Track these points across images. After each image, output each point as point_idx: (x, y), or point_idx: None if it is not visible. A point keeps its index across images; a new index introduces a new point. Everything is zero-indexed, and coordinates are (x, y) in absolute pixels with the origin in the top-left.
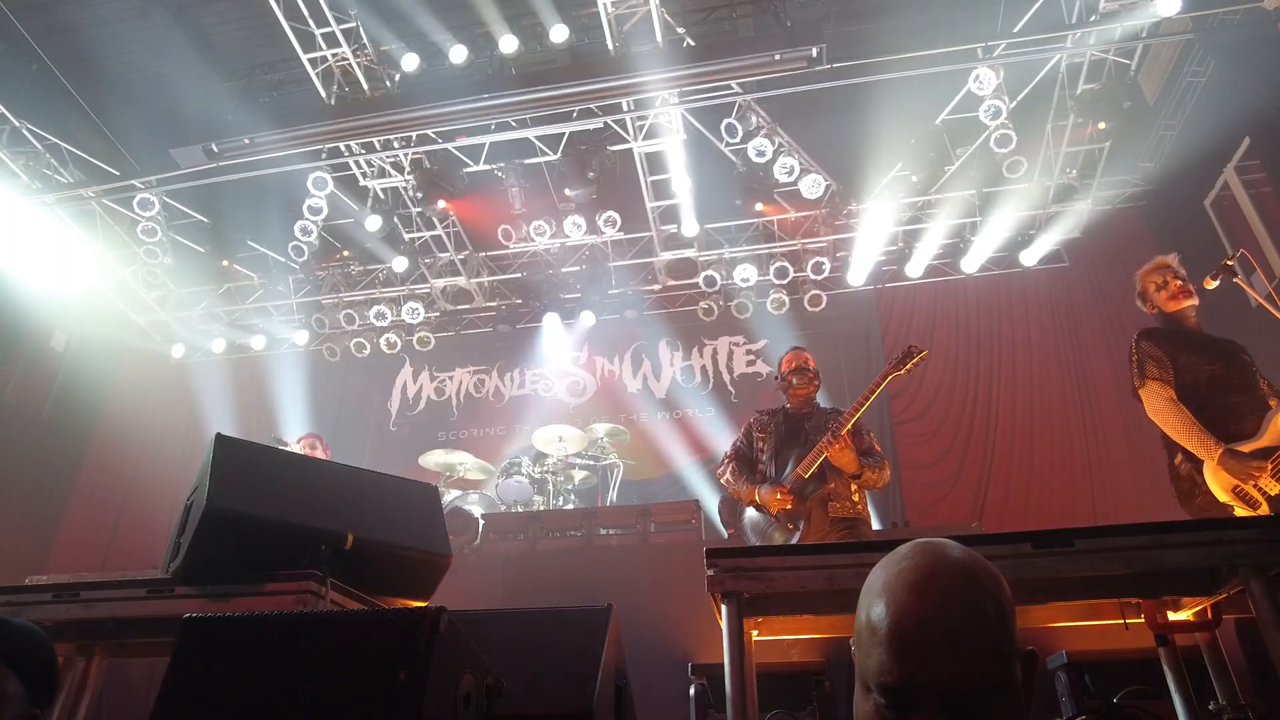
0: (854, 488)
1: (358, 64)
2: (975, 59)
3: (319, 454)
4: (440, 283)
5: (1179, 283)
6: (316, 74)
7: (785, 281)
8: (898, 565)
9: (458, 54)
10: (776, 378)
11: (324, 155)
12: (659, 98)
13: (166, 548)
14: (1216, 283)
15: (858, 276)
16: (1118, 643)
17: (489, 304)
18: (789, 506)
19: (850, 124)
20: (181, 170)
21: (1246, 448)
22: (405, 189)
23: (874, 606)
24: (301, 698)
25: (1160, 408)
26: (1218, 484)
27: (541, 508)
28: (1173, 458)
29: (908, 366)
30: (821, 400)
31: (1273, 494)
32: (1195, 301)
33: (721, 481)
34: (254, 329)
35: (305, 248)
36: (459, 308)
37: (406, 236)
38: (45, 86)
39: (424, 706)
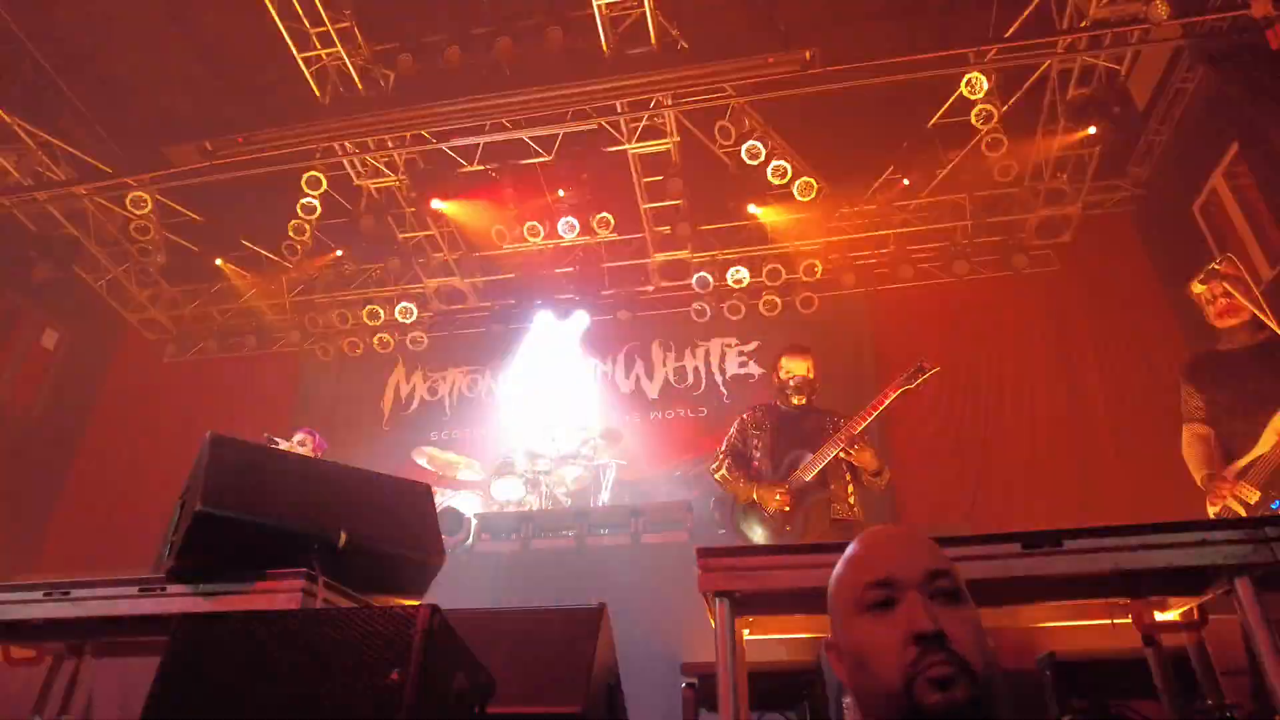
0: (850, 491)
1: (352, 64)
2: (967, 63)
3: (308, 448)
4: (434, 282)
5: (1226, 299)
6: (311, 73)
7: (778, 283)
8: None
9: (452, 54)
10: (774, 371)
11: (318, 154)
12: (653, 100)
13: (160, 546)
14: (1205, 286)
15: (850, 279)
16: (1105, 643)
17: (482, 304)
18: (787, 508)
19: (843, 127)
20: (175, 168)
21: (1243, 461)
22: (399, 189)
23: (846, 555)
24: (294, 696)
25: (1185, 445)
26: (1209, 510)
27: (534, 507)
28: None
29: (918, 383)
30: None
31: (1251, 502)
32: (1240, 321)
33: (716, 478)
34: (247, 328)
35: (298, 246)
36: (452, 308)
37: (400, 236)
38: (38, 83)
39: (416, 705)
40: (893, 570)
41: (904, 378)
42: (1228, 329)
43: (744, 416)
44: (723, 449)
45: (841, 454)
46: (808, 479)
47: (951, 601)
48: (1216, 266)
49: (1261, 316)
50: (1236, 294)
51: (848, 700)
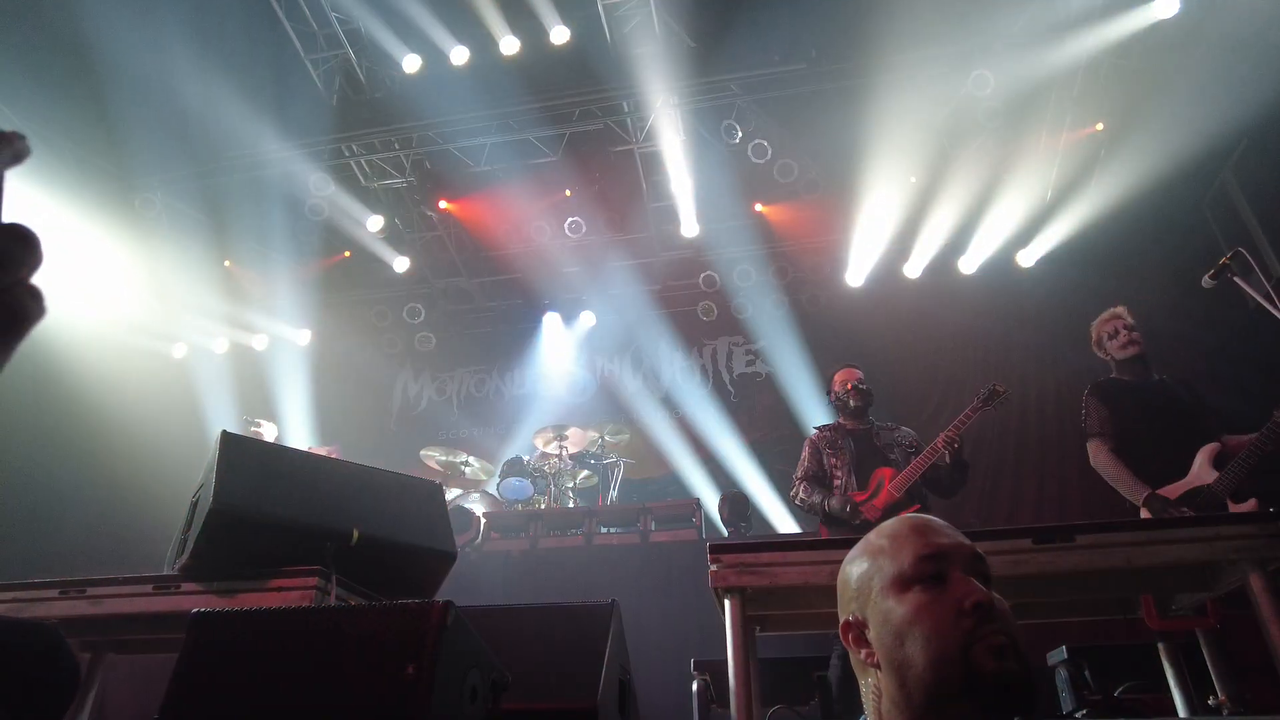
0: (928, 506)
1: (359, 65)
2: (974, 60)
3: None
4: (441, 283)
5: (1127, 332)
6: (318, 75)
7: (784, 282)
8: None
9: (459, 55)
10: (829, 393)
11: (326, 156)
12: (659, 99)
13: (171, 545)
14: (1215, 282)
15: (856, 276)
16: (1118, 637)
17: (489, 304)
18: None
19: (849, 125)
20: (183, 170)
21: (1177, 490)
22: (406, 189)
23: (880, 536)
24: (309, 692)
25: (1098, 460)
26: None
27: (542, 506)
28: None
29: (994, 404)
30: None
31: None
32: (1141, 350)
33: (796, 502)
34: (255, 328)
35: (307, 248)
36: (460, 308)
37: (408, 237)
38: (47, 85)
39: (431, 700)
40: (944, 547)
41: (979, 400)
42: (1127, 360)
43: (813, 438)
44: (798, 474)
45: (945, 456)
46: (899, 495)
47: (988, 585)
48: (1226, 262)
49: (1271, 310)
50: (1137, 330)
51: (869, 683)
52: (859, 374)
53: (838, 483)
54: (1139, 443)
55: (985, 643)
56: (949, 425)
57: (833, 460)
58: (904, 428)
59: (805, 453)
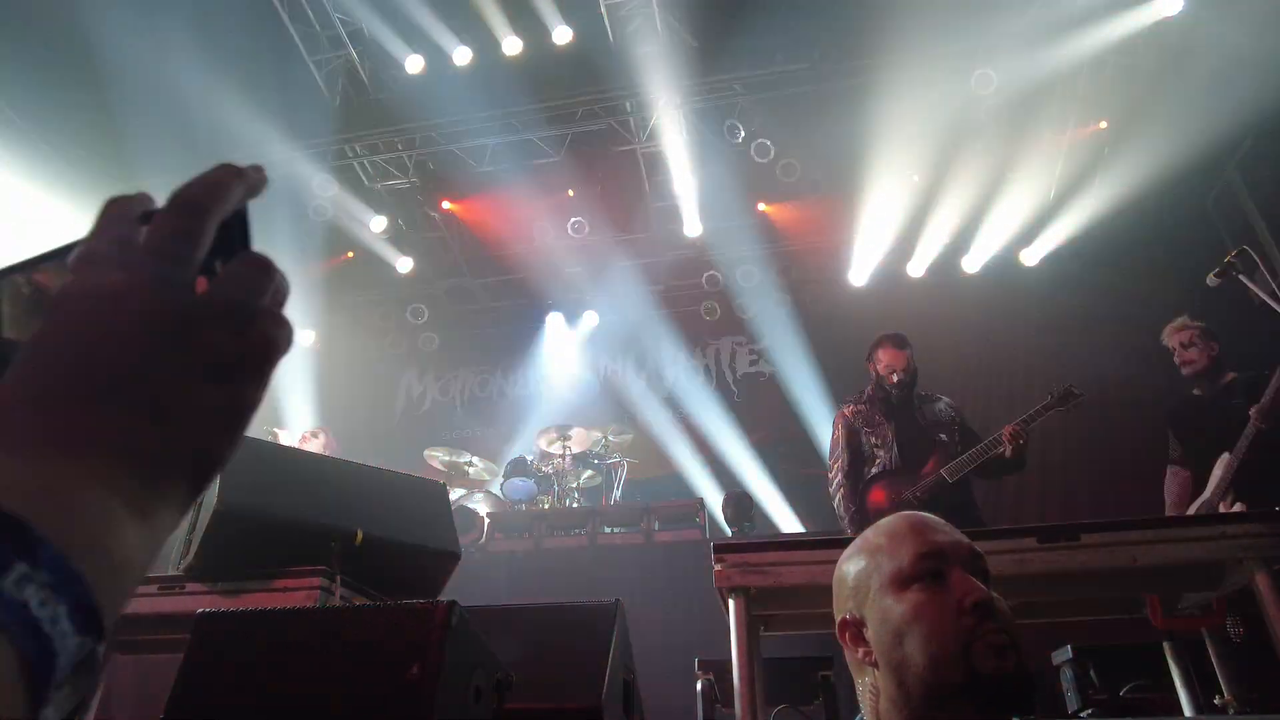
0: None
1: (363, 66)
2: (977, 58)
3: (320, 443)
4: (444, 283)
5: (1183, 350)
6: (321, 76)
7: (787, 281)
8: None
9: (462, 55)
10: (871, 362)
11: (329, 156)
12: (661, 99)
13: (176, 545)
14: (1220, 280)
15: (859, 276)
16: (1123, 636)
17: (493, 304)
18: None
19: (852, 124)
20: (187, 172)
21: (1193, 508)
22: (409, 190)
23: (878, 533)
24: (314, 692)
25: (1165, 484)
26: None
27: (546, 506)
28: None
29: (1068, 406)
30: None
31: None
32: (1201, 365)
33: (834, 505)
34: None
35: (310, 249)
36: (463, 308)
37: (411, 237)
38: (49, 88)
39: (436, 700)
40: (943, 545)
41: (1053, 399)
42: (1194, 376)
43: (845, 414)
44: (839, 464)
45: (1009, 449)
46: (951, 481)
47: (987, 584)
48: (1231, 260)
49: (1276, 308)
50: (1197, 344)
51: (866, 682)
52: (902, 361)
53: (879, 462)
54: (1201, 460)
55: (985, 641)
56: (1017, 420)
57: (872, 439)
58: (942, 398)
59: (838, 434)
